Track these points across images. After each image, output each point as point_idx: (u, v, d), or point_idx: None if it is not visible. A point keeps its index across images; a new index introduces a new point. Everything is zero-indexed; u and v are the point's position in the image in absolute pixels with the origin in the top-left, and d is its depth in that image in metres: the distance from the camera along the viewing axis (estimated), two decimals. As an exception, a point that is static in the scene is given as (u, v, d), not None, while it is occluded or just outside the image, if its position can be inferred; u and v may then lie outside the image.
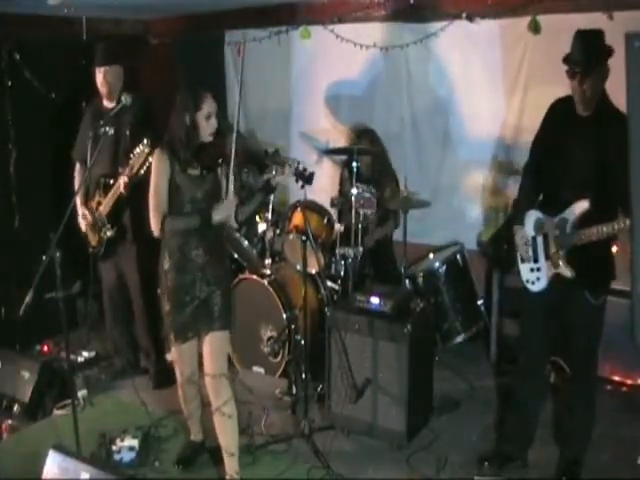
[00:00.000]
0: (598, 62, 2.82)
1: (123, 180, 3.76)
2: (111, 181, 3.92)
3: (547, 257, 3.04)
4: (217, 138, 3.04)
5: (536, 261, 3.10)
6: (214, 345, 3.09)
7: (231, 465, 3.15)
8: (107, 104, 4.04)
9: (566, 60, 2.87)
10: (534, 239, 3.10)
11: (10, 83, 4.69)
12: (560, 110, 3.05)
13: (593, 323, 3.07)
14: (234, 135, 3.00)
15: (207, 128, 2.98)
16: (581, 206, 2.88)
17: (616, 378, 4.00)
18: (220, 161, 3.05)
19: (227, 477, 3.16)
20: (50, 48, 4.90)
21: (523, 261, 3.17)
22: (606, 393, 3.96)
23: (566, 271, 2.96)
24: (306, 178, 3.42)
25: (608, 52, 2.82)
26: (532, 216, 3.11)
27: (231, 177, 2.99)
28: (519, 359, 3.33)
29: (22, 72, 4.73)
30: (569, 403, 3.26)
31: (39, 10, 4.67)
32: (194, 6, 5.17)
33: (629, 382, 3.97)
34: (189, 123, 2.94)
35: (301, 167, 3.29)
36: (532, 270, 3.12)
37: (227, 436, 3.13)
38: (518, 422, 3.33)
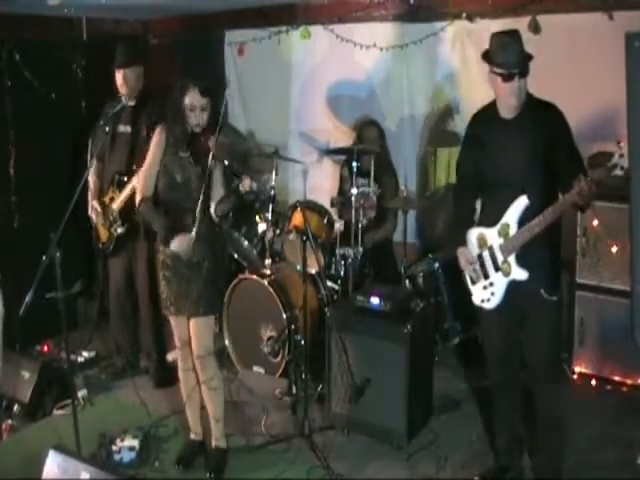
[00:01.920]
0: (527, 60, 2.82)
1: (138, 177, 3.76)
2: (125, 178, 3.96)
3: (497, 269, 2.96)
4: (208, 133, 3.09)
5: (487, 277, 3.01)
6: (198, 328, 3.23)
7: (217, 429, 3.38)
8: (126, 102, 4.04)
9: (500, 64, 2.81)
10: (480, 256, 3.02)
11: (10, 83, 4.69)
12: (482, 119, 3.04)
13: (553, 320, 3.02)
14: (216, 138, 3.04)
15: (192, 119, 3.09)
16: (520, 203, 2.83)
17: (616, 378, 4.00)
18: (210, 156, 3.06)
19: (213, 440, 3.38)
20: (50, 48, 4.90)
21: (474, 282, 3.08)
22: (606, 393, 3.97)
23: (519, 273, 2.89)
24: (261, 200, 3.56)
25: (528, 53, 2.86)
26: (473, 234, 3.05)
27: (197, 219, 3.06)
28: (491, 376, 3.25)
29: (22, 72, 4.72)
30: (538, 405, 3.13)
31: (39, 10, 4.67)
32: (194, 6, 5.17)
33: (629, 382, 3.97)
34: (175, 110, 3.09)
35: (258, 187, 3.22)
36: (485, 288, 3.02)
37: (214, 405, 3.34)
38: (505, 436, 3.27)
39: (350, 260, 4.25)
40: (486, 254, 3.00)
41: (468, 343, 4.37)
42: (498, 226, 2.93)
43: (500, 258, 2.95)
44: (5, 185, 4.75)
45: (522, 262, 2.90)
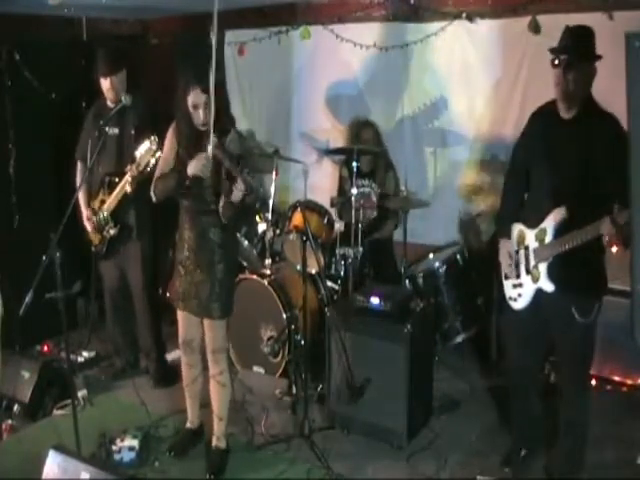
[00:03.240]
0: (583, 53, 2.76)
1: (129, 177, 3.76)
2: (116, 179, 3.94)
3: (527, 271, 2.95)
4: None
5: (518, 277, 3.01)
6: (210, 328, 3.28)
7: (219, 428, 3.39)
8: (111, 105, 4.04)
9: (552, 50, 2.83)
10: (516, 253, 3.02)
11: (10, 83, 4.68)
12: (543, 115, 2.99)
13: (582, 342, 2.93)
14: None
15: (195, 117, 3.07)
16: (558, 214, 2.80)
17: (616, 378, 4.00)
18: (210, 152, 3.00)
19: (213, 438, 3.39)
20: (50, 48, 4.90)
21: (507, 277, 3.09)
22: (606, 393, 3.97)
23: (546, 284, 2.86)
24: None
25: (596, 54, 2.79)
26: (515, 229, 3.04)
27: (212, 139, 2.96)
28: (509, 374, 3.27)
29: (22, 72, 4.72)
30: (562, 410, 3.13)
31: (39, 10, 4.67)
32: (194, 6, 5.17)
33: (629, 382, 3.97)
34: (181, 110, 3.09)
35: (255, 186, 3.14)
36: (514, 286, 3.03)
37: (219, 402, 3.36)
38: (522, 428, 3.31)
39: (350, 260, 4.25)
40: (522, 253, 2.99)
41: (476, 340, 4.39)
42: (537, 229, 2.90)
43: (532, 262, 2.92)
44: (5, 185, 4.75)
45: (554, 275, 2.85)
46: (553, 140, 2.88)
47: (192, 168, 3.00)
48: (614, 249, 3.86)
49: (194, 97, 3.04)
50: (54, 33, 5.08)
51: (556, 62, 2.78)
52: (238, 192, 2.95)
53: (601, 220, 2.57)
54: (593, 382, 4.03)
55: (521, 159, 3.10)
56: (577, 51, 2.75)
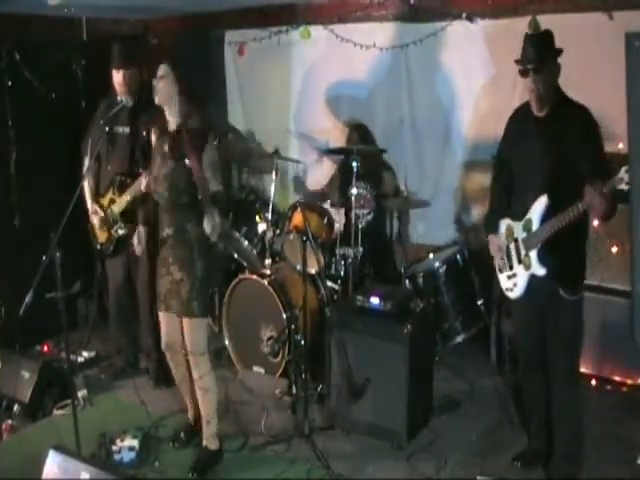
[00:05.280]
0: (548, 58, 2.93)
1: (145, 179, 3.75)
2: (127, 180, 3.94)
3: (519, 261, 3.09)
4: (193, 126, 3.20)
5: (511, 268, 3.15)
6: (190, 329, 3.28)
7: (207, 430, 3.40)
8: (127, 103, 4.03)
9: (518, 61, 2.99)
10: (507, 247, 3.17)
11: (10, 83, 4.68)
12: (519, 116, 3.17)
13: (571, 321, 3.08)
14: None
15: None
16: (541, 202, 2.94)
17: (616, 378, 4.00)
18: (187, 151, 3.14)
19: (203, 440, 3.41)
20: (50, 48, 4.90)
21: (501, 271, 3.24)
22: (606, 393, 3.97)
23: (538, 269, 3.00)
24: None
25: (557, 51, 2.97)
26: (503, 224, 3.19)
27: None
28: (519, 359, 3.37)
29: (22, 72, 4.72)
30: (553, 404, 3.20)
31: (39, 10, 4.66)
32: (194, 6, 5.17)
33: (629, 382, 3.97)
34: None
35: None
36: (509, 277, 3.18)
37: (205, 406, 3.38)
38: (535, 419, 3.35)
39: (350, 260, 4.25)
40: (512, 246, 3.14)
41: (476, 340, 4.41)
42: (523, 220, 3.05)
43: (523, 252, 3.06)
44: (5, 184, 4.75)
45: (543, 259, 2.99)
46: (529, 137, 3.05)
47: (208, 228, 3.07)
48: (614, 249, 3.89)
49: (159, 69, 3.19)
50: (54, 33, 5.07)
51: (524, 71, 2.95)
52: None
53: (584, 192, 2.70)
54: (593, 382, 4.05)
55: (504, 159, 3.27)
56: (540, 57, 2.92)
